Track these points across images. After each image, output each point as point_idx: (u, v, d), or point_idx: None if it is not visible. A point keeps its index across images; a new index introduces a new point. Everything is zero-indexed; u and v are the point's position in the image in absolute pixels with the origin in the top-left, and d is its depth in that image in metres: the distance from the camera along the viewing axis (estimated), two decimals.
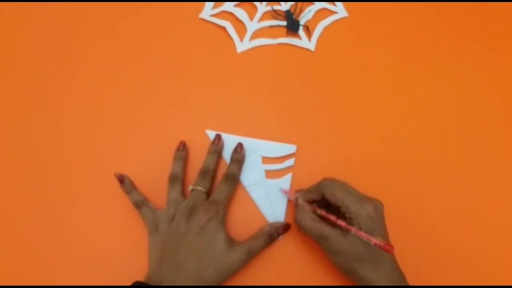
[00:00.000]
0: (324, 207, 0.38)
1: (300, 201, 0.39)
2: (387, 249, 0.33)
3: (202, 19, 0.50)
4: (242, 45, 0.49)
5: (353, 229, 0.34)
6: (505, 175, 0.45)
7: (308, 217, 0.37)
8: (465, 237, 0.43)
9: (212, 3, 0.50)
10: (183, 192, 0.42)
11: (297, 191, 0.41)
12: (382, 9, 0.51)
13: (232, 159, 0.43)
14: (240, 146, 0.43)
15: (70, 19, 0.50)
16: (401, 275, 0.36)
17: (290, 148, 0.44)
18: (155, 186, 0.43)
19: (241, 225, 0.42)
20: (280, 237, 0.41)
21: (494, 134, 0.47)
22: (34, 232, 0.42)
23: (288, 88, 0.48)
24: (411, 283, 0.37)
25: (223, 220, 0.39)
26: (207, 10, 0.50)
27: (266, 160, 0.44)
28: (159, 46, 0.49)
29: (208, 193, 0.41)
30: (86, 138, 0.45)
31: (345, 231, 0.35)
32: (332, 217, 0.36)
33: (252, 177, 0.43)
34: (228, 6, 0.50)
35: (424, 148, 0.46)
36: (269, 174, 0.44)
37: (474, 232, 0.43)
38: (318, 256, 0.41)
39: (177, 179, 0.42)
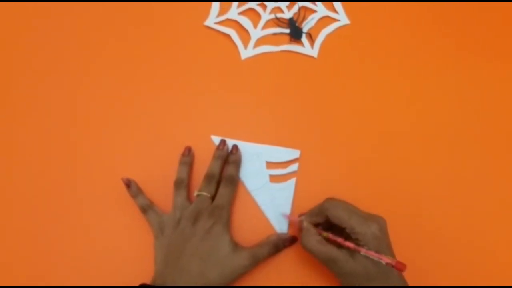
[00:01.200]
0: (326, 228, 0.38)
1: (306, 224, 0.38)
2: (399, 268, 0.32)
3: (207, 27, 0.51)
4: (246, 52, 0.50)
5: (363, 250, 0.34)
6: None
7: (314, 240, 0.36)
8: (471, 248, 0.43)
9: (217, 11, 0.51)
10: (189, 197, 0.42)
11: (300, 215, 0.41)
12: (384, 16, 0.52)
13: (228, 161, 0.44)
14: (235, 148, 0.44)
15: (78, 25, 0.51)
16: None
17: (294, 153, 0.45)
18: (161, 190, 0.44)
19: (246, 228, 0.43)
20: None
21: (504, 142, 0.47)
22: (40, 236, 0.43)
23: (291, 94, 0.48)
24: None
25: (228, 224, 0.40)
26: (212, 18, 0.51)
27: (270, 165, 0.45)
28: (165, 52, 0.50)
29: (214, 198, 0.42)
30: (93, 143, 0.46)
31: (352, 252, 0.35)
32: (340, 240, 0.36)
33: (257, 181, 0.44)
34: (232, 14, 0.51)
35: (428, 152, 0.46)
36: (273, 178, 0.44)
37: (479, 242, 0.43)
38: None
39: (182, 184, 0.42)
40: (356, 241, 0.35)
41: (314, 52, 0.50)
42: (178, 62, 0.50)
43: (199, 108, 0.48)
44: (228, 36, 0.50)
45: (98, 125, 0.47)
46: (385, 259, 0.33)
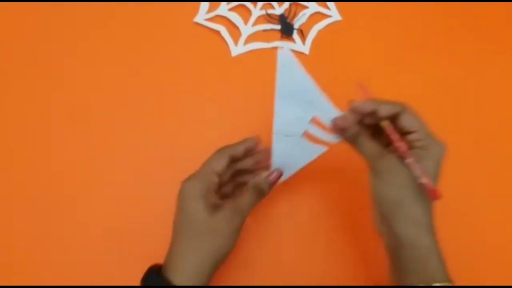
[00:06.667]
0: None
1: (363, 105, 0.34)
2: (433, 194, 0.29)
3: (197, 23, 0.50)
4: (236, 49, 0.49)
5: (411, 159, 0.30)
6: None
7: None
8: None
9: (206, 7, 0.50)
10: None
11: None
12: (376, 12, 0.52)
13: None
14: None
15: (65, 22, 0.50)
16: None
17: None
18: (153, 187, 0.43)
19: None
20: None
21: (494, 131, 0.48)
22: (40, 236, 0.42)
23: None
24: None
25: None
26: (202, 14, 0.50)
27: (314, 121, 0.38)
28: (154, 49, 0.49)
29: (219, 174, 0.35)
30: (85, 143, 0.45)
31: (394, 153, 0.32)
32: (395, 136, 0.32)
33: (289, 128, 0.37)
34: (222, 10, 0.50)
35: None
36: (307, 135, 0.38)
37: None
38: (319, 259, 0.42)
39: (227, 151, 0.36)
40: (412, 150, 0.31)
41: (305, 48, 0.50)
42: (167, 59, 0.49)
43: (188, 105, 0.47)
44: (218, 32, 0.50)
45: (87, 123, 0.46)
46: (425, 179, 0.29)
